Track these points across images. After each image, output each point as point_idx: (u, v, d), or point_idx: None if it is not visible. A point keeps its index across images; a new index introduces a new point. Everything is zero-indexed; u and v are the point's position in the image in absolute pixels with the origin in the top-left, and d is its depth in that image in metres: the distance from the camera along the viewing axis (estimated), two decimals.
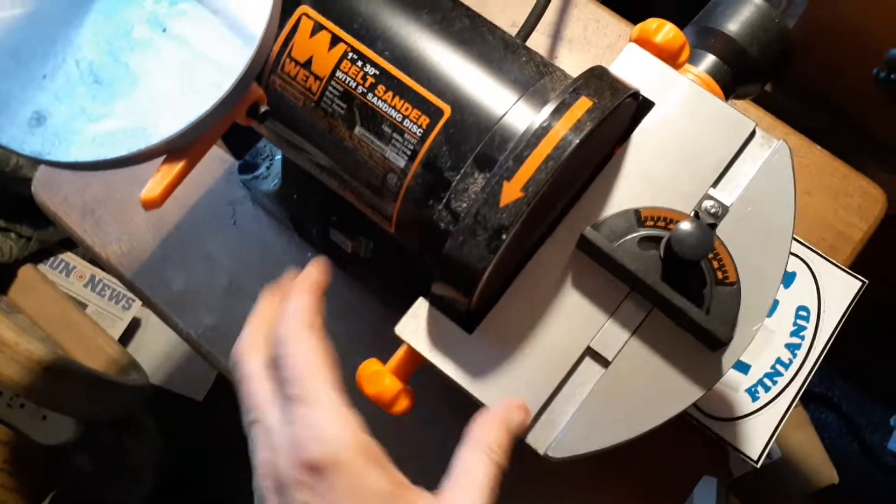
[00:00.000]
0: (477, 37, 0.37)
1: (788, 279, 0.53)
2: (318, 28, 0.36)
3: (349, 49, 0.36)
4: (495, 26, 0.38)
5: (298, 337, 0.33)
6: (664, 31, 0.41)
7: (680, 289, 0.36)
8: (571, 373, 0.37)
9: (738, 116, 0.39)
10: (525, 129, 0.34)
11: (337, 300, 0.54)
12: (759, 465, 0.50)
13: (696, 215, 0.37)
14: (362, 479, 0.30)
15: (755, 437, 0.50)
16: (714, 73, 0.46)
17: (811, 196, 0.58)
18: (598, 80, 0.35)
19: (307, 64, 0.36)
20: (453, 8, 0.37)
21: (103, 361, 1.02)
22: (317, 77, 0.36)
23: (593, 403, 0.36)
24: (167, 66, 0.33)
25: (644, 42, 0.41)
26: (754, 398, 0.51)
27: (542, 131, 0.33)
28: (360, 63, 0.36)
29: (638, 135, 0.39)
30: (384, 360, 0.38)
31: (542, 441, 0.36)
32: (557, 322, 0.37)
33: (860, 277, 0.53)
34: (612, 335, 0.37)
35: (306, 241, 0.55)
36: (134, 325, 1.19)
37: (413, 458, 0.38)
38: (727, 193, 0.38)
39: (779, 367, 0.52)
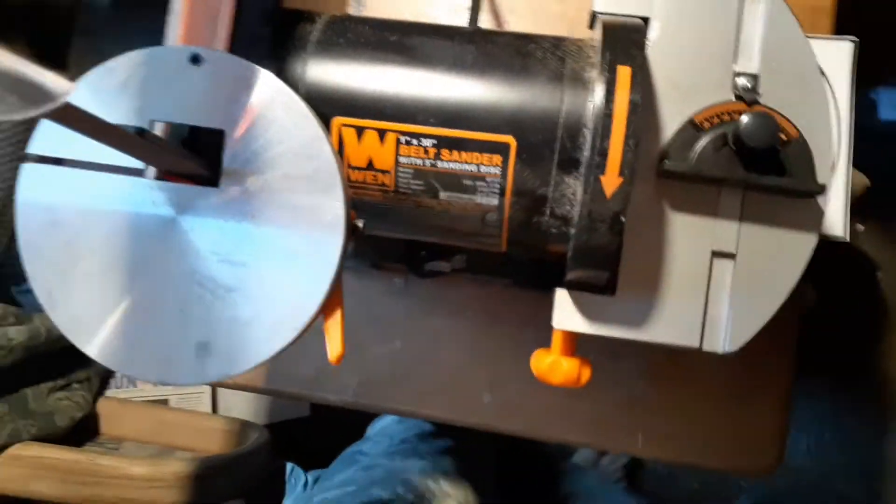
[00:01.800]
0: (492, 58, 0.39)
1: None
2: (360, 131, 0.38)
3: (399, 134, 0.38)
4: (493, 33, 0.40)
5: None
6: None
7: (761, 169, 0.40)
8: (710, 278, 0.42)
9: None
10: (586, 118, 0.37)
11: (448, 312, 0.58)
12: (848, 239, 0.56)
13: (738, 97, 0.41)
14: None
15: (834, 217, 0.56)
16: None
17: None
18: (615, 39, 0.37)
19: (370, 166, 0.38)
20: (455, 45, 0.39)
21: (221, 439, 1.07)
22: (384, 172, 0.38)
23: (740, 292, 0.41)
24: (276, 257, 0.35)
25: None
26: None
27: (607, 117, 0.35)
28: (414, 142, 0.38)
29: (652, 53, 0.42)
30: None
31: (717, 343, 0.42)
32: (677, 245, 0.41)
33: (849, 38, 0.57)
34: (725, 231, 0.41)
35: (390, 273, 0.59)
36: (214, 391, 1.23)
37: None
38: (750, 62, 0.41)
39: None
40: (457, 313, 0.58)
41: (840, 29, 0.59)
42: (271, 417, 1.25)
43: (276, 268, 0.35)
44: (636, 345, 0.42)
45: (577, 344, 0.43)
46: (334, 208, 0.35)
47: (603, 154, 0.35)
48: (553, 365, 0.43)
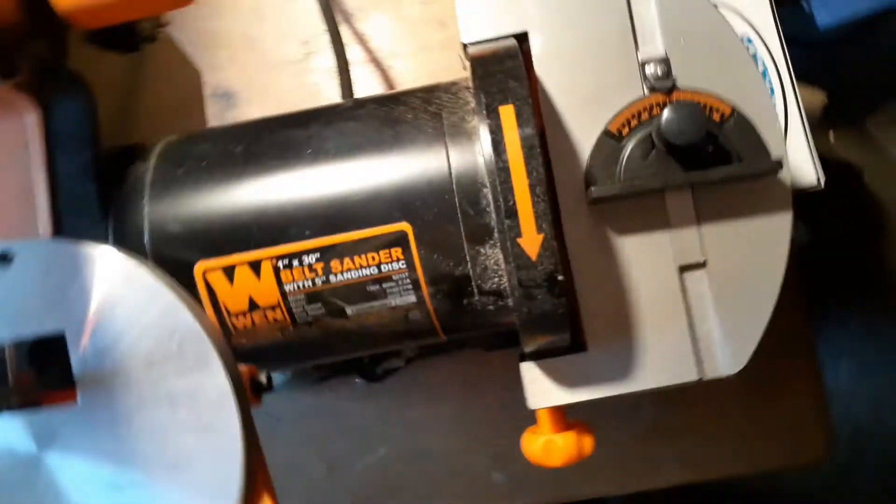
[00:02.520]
0: (357, 137, 0.32)
1: None
2: (229, 271, 0.32)
3: (273, 260, 0.31)
4: (353, 106, 0.34)
5: None
6: None
7: (702, 163, 0.34)
8: (686, 297, 0.35)
9: None
10: (481, 176, 0.31)
11: (425, 399, 0.51)
12: (822, 185, 0.50)
13: (652, 89, 0.35)
14: None
15: (802, 168, 0.50)
16: None
17: None
18: (487, 75, 0.31)
19: (253, 306, 0.32)
20: (311, 134, 0.33)
21: None
22: (272, 307, 0.32)
23: (725, 301, 0.35)
24: (169, 463, 0.29)
25: None
26: None
27: (502, 171, 0.29)
28: (295, 263, 0.31)
29: (540, 69, 0.36)
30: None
31: (716, 366, 0.35)
32: (637, 272, 0.35)
33: None
34: (684, 240, 0.35)
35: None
36: None
37: None
38: (653, 45, 0.35)
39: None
40: (436, 397, 0.52)
41: None
42: None
43: (172, 476, 0.28)
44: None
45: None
46: (216, 383, 0.28)
47: (511, 214, 0.29)
48: (547, 447, 0.37)
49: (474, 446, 0.52)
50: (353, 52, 0.53)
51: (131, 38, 0.33)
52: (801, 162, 0.51)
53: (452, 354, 0.51)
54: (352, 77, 0.46)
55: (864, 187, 1.40)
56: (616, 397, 0.36)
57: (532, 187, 0.29)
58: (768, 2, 0.51)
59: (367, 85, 0.53)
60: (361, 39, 0.53)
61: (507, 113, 0.30)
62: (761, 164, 0.33)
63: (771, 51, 0.52)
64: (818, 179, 0.50)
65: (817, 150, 0.53)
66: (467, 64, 0.35)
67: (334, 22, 0.41)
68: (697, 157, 0.33)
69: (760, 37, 0.51)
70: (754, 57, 0.52)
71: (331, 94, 0.53)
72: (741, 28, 0.52)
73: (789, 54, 0.52)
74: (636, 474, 0.51)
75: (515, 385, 0.51)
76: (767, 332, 0.47)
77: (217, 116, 0.52)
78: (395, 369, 0.47)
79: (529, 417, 0.51)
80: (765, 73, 0.52)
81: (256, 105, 0.53)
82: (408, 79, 0.53)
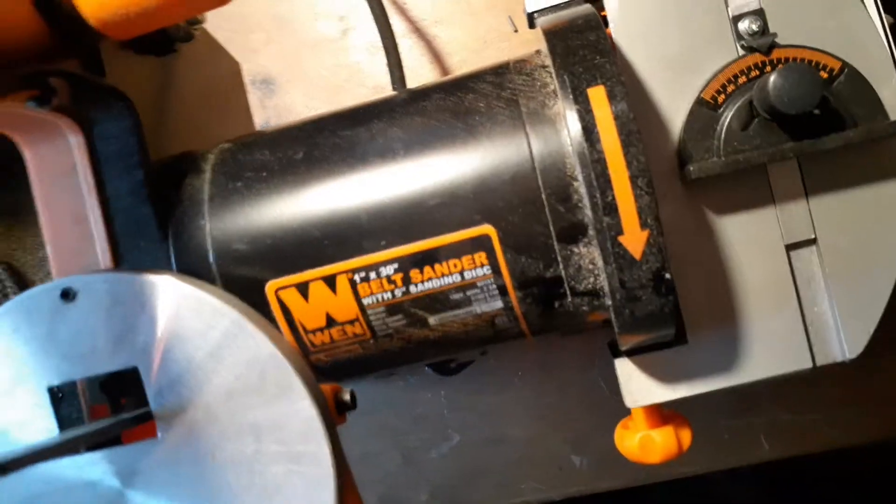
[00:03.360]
0: (427, 134, 0.29)
1: None
2: (303, 287, 0.29)
3: (350, 274, 0.29)
4: (418, 97, 0.31)
5: None
6: None
7: (812, 131, 0.30)
8: (795, 278, 0.32)
9: None
10: (571, 169, 0.27)
11: (498, 385, 0.49)
12: None
13: (748, 49, 0.31)
14: None
15: None
16: None
17: None
18: (570, 52, 0.28)
19: (331, 322, 0.30)
20: (375, 133, 0.30)
21: None
22: (351, 322, 0.30)
23: (838, 280, 0.32)
24: (258, 494, 0.27)
25: None
26: None
27: (598, 163, 0.26)
28: (373, 275, 0.29)
29: (617, 33, 0.32)
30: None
31: (833, 351, 0.32)
32: (741, 255, 0.32)
33: None
34: (792, 216, 0.32)
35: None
36: None
37: None
38: None
39: None
40: (509, 383, 0.49)
41: None
42: None
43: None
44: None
45: None
46: (301, 410, 0.26)
47: (611, 210, 0.26)
48: (644, 444, 0.34)
49: (551, 431, 0.49)
50: (393, 23, 0.49)
51: (166, 41, 0.30)
52: None
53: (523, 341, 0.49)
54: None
55: None
56: (721, 391, 0.33)
57: (633, 178, 0.26)
58: None
59: (411, 59, 0.50)
60: (401, 9, 0.50)
61: (597, 95, 0.26)
62: (880, 126, 0.30)
63: None
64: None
65: None
66: (521, 23, 0.31)
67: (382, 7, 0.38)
68: (807, 124, 0.30)
69: None
70: None
71: (374, 72, 0.49)
72: None
73: None
74: (726, 451, 0.49)
75: (588, 366, 0.49)
76: None
77: (259, 104, 0.49)
78: (470, 362, 0.45)
79: (608, 400, 0.49)
80: None
81: (297, 90, 0.50)
82: (455, 48, 0.49)
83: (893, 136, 0.30)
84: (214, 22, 0.47)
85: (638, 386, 0.33)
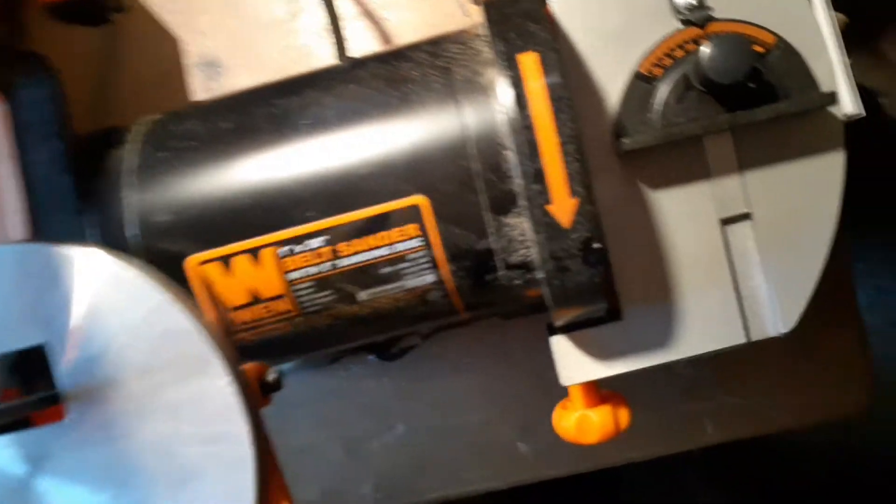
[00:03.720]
0: (360, 102, 0.29)
1: None
2: (225, 261, 0.28)
3: (276, 247, 0.28)
4: (353, 66, 0.30)
5: None
6: None
7: (746, 102, 0.30)
8: (729, 253, 0.32)
9: None
10: (502, 137, 0.27)
11: (446, 370, 0.49)
12: (863, 113, 0.46)
13: (685, 22, 0.31)
14: None
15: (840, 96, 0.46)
16: None
17: None
18: (504, 19, 0.27)
19: (256, 299, 0.29)
20: (308, 100, 0.29)
21: None
22: (277, 298, 0.29)
23: (772, 255, 0.32)
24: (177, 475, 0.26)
25: None
26: None
27: (527, 129, 0.26)
28: (299, 248, 0.28)
29: (556, 6, 0.32)
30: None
31: (766, 326, 0.32)
32: (675, 229, 0.32)
33: None
34: (726, 190, 0.32)
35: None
36: None
37: None
38: None
39: None
40: (455, 370, 0.49)
41: None
42: None
43: (178, 492, 0.26)
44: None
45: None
46: (220, 388, 0.26)
47: (539, 178, 0.26)
48: (581, 424, 0.34)
49: (498, 418, 0.49)
50: (344, 6, 0.49)
51: (97, 9, 0.29)
52: (839, 90, 0.47)
53: (472, 325, 0.48)
54: (344, 34, 0.41)
55: (881, 111, 1.34)
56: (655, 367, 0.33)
57: (563, 145, 0.26)
58: None
59: (361, 42, 0.49)
60: None
61: (528, 61, 0.26)
62: (812, 98, 0.30)
63: None
64: (858, 109, 0.47)
65: None
66: (472, 9, 0.31)
67: None
68: (740, 95, 0.30)
69: None
70: None
71: (323, 56, 0.48)
72: None
73: None
74: (672, 436, 0.49)
75: (538, 352, 0.48)
76: None
77: (203, 87, 0.48)
78: (412, 347, 0.44)
79: (556, 385, 0.49)
80: None
81: (244, 72, 0.49)
82: (405, 32, 0.49)
83: (823, 107, 0.30)
84: (161, 6, 0.46)
85: (574, 363, 0.33)
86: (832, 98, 0.30)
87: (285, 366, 0.47)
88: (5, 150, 0.29)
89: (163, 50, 0.43)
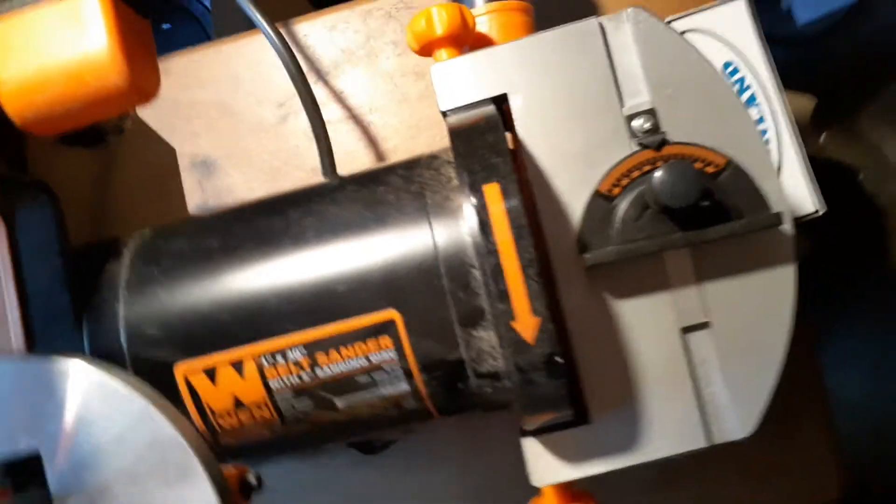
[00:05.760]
0: (338, 223, 0.31)
1: None
2: (210, 371, 0.30)
3: (257, 358, 0.30)
4: (330, 188, 0.33)
5: None
6: (437, 19, 0.36)
7: (699, 222, 0.32)
8: (690, 360, 0.34)
9: (576, 27, 0.35)
10: (470, 258, 0.29)
11: (430, 464, 0.50)
12: (822, 212, 0.48)
13: (643, 145, 0.33)
14: None
15: (800, 196, 0.49)
16: None
17: None
18: (470, 152, 0.30)
19: (239, 405, 0.30)
20: (290, 222, 0.31)
21: None
22: (258, 406, 0.30)
23: (731, 362, 0.34)
24: None
25: (430, 46, 0.36)
26: None
27: (491, 253, 0.28)
28: (279, 359, 0.30)
29: (522, 130, 0.34)
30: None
31: (727, 430, 0.34)
32: (638, 337, 0.34)
33: None
34: (686, 301, 0.34)
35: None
36: None
37: None
38: (639, 97, 0.34)
39: (758, 127, 0.50)
40: (437, 462, 0.50)
41: None
42: None
43: None
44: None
45: None
46: (202, 494, 0.27)
47: (504, 298, 0.28)
48: None
49: None
50: (332, 110, 0.52)
51: (96, 135, 0.32)
52: (798, 189, 0.49)
53: (458, 419, 0.50)
54: (331, 137, 0.44)
55: (859, 187, 1.38)
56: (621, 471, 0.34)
57: (524, 269, 0.28)
58: (750, 22, 0.50)
59: (347, 142, 0.52)
60: (339, 97, 0.52)
61: (491, 192, 0.28)
62: (761, 218, 0.32)
63: (758, 74, 0.50)
64: (816, 206, 0.49)
65: (808, 152, 0.51)
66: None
67: (307, 87, 0.40)
68: (694, 215, 0.32)
69: (745, 60, 0.50)
70: (740, 83, 0.51)
71: (311, 155, 0.51)
72: (724, 55, 0.51)
73: (772, 53, 0.50)
74: None
75: (516, 446, 0.50)
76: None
77: (197, 186, 0.51)
78: (392, 442, 0.45)
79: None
80: (752, 99, 0.51)
81: (236, 172, 0.52)
82: (389, 133, 0.52)
83: (773, 226, 0.32)
84: (157, 108, 0.49)
85: (544, 465, 0.34)
86: (779, 219, 0.32)
87: None
88: (6, 269, 0.31)
89: (157, 158, 0.46)
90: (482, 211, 0.28)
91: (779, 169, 0.50)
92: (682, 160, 0.31)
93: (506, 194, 0.28)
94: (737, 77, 0.51)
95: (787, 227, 0.33)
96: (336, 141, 0.46)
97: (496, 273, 0.28)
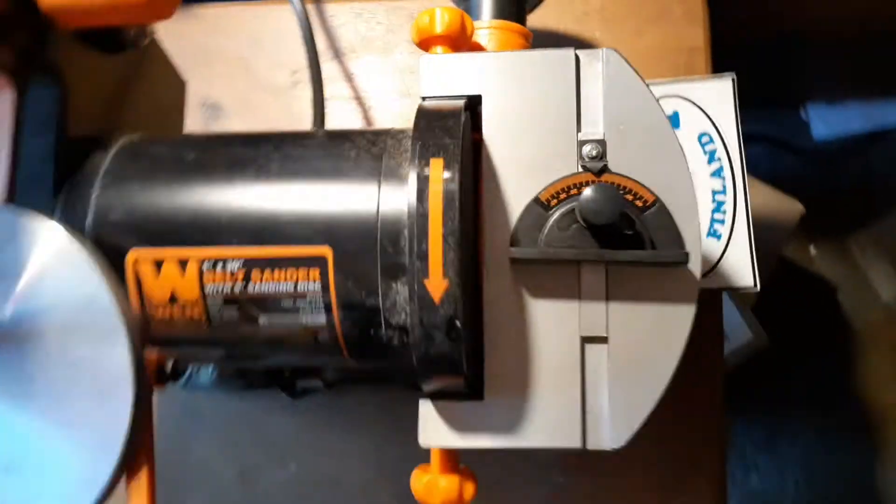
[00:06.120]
0: (300, 163, 0.35)
1: (674, 121, 0.54)
2: (158, 263, 0.34)
3: (200, 262, 0.34)
4: (304, 134, 0.37)
5: None
6: (439, 19, 0.40)
7: (617, 243, 0.36)
8: (584, 368, 0.37)
9: (556, 53, 0.39)
10: (404, 220, 0.33)
11: (346, 425, 0.53)
12: (759, 288, 0.52)
13: (585, 168, 0.37)
14: None
15: (741, 268, 0.53)
16: (500, 12, 0.45)
17: (643, 34, 0.58)
18: (428, 129, 0.34)
19: (173, 299, 0.34)
20: (259, 154, 0.35)
21: None
22: (191, 304, 0.34)
23: (619, 379, 0.37)
24: (58, 425, 0.30)
25: (428, 42, 0.40)
26: (717, 237, 0.53)
27: (422, 216, 0.32)
28: (219, 267, 0.34)
29: (487, 131, 0.38)
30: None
31: (602, 439, 0.37)
32: (543, 335, 0.37)
33: (727, 74, 0.54)
34: (592, 314, 0.37)
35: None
36: None
37: None
38: (594, 127, 0.38)
39: (718, 197, 0.54)
40: (356, 426, 0.53)
41: (718, 67, 0.57)
42: None
43: (59, 437, 0.30)
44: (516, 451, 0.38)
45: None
46: (119, 357, 0.30)
47: (423, 257, 0.31)
48: (429, 486, 0.38)
49: (382, 481, 0.53)
50: (340, 88, 0.56)
51: (115, 41, 0.36)
52: (742, 263, 0.53)
53: (380, 388, 0.53)
54: (329, 110, 0.49)
55: (838, 305, 1.42)
56: (508, 452, 0.38)
57: (445, 236, 0.31)
58: (732, 102, 0.54)
59: (347, 120, 0.56)
60: (349, 77, 0.56)
61: (436, 165, 0.32)
62: (670, 253, 0.36)
63: (729, 150, 0.55)
64: (754, 282, 0.53)
65: (797, 261, 0.55)
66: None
67: (315, 54, 0.44)
68: (614, 236, 0.36)
69: (721, 134, 0.54)
70: (711, 154, 0.55)
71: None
72: (702, 125, 0.55)
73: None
74: None
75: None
76: (685, 421, 0.50)
77: (200, 125, 0.55)
78: (314, 390, 0.49)
79: None
80: (720, 171, 0.55)
81: (240, 121, 0.56)
82: (385, 119, 0.56)
83: (680, 264, 0.36)
84: (181, 47, 0.54)
85: (433, 427, 0.37)
86: (686, 258, 0.36)
87: (203, 380, 0.52)
88: (6, 132, 0.35)
89: (167, 88, 0.50)
90: (422, 180, 0.32)
91: (728, 241, 0.54)
92: (612, 185, 0.35)
93: (447, 169, 0.32)
94: (709, 148, 0.55)
95: (694, 268, 0.37)
96: (336, 116, 0.50)
97: (421, 234, 0.32)
